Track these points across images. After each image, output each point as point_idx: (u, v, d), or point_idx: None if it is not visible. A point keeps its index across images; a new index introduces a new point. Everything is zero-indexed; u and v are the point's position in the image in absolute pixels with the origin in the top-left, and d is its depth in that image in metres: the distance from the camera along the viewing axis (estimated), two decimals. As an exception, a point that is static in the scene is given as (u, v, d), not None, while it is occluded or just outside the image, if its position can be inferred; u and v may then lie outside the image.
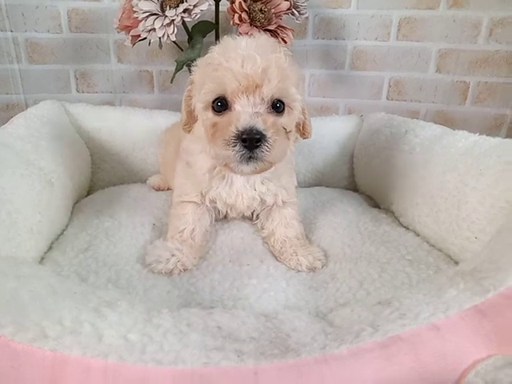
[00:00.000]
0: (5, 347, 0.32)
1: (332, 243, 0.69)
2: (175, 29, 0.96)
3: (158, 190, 0.93)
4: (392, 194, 0.83)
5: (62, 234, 0.68)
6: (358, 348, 0.36)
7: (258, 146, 0.53)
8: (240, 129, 0.52)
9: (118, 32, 1.07)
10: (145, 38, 1.03)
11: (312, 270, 0.64)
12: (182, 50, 1.13)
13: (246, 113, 0.54)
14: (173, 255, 0.62)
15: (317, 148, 1.05)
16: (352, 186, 1.06)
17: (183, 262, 0.63)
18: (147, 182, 0.96)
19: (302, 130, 0.67)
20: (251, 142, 0.52)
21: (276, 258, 0.68)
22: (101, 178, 0.96)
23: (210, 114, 0.58)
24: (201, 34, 1.07)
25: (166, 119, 1.00)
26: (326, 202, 0.86)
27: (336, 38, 1.36)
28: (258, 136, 0.52)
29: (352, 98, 1.43)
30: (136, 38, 1.05)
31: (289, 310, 0.53)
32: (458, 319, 0.38)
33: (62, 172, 0.71)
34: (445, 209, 0.67)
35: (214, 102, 0.57)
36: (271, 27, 1.01)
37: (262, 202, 0.71)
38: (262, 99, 0.55)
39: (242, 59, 0.53)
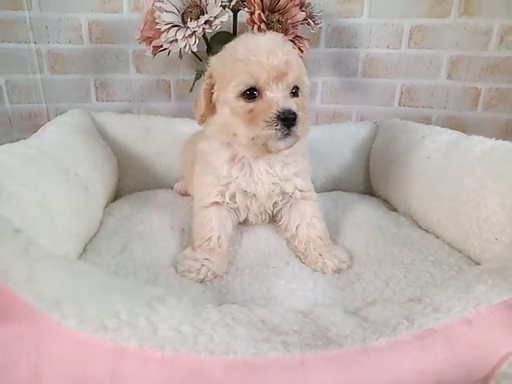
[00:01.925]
0: (71, 337, 0.35)
1: (356, 244, 0.72)
2: (197, 40, 0.99)
3: (184, 195, 0.96)
4: (410, 198, 0.85)
5: (94, 235, 0.71)
6: (395, 341, 0.38)
7: (294, 124, 0.61)
8: (280, 110, 0.61)
9: (140, 43, 1.11)
10: (166, 49, 1.07)
11: (337, 272, 0.67)
12: (201, 60, 1.17)
13: (280, 97, 0.62)
14: (203, 265, 0.65)
15: (332, 154, 1.07)
16: (368, 190, 1.08)
17: (213, 271, 0.65)
18: (174, 187, 0.99)
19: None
20: (289, 120, 0.61)
21: (301, 259, 0.70)
22: (126, 183, 0.99)
23: (242, 102, 0.64)
24: (219, 44, 1.10)
25: (187, 127, 1.03)
26: (345, 205, 0.88)
27: (348, 47, 1.39)
28: (293, 116, 0.61)
29: (364, 105, 1.45)
30: (157, 49, 1.09)
31: (322, 307, 0.55)
32: (489, 313, 0.40)
33: (97, 178, 0.74)
34: (464, 211, 0.69)
35: (245, 91, 0.63)
36: (289, 37, 1.04)
37: (282, 190, 0.73)
38: (287, 86, 0.64)
39: (267, 53, 0.62)
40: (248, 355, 0.36)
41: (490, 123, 1.41)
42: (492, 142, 0.74)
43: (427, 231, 0.78)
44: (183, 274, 0.65)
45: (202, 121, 0.72)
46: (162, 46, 1.07)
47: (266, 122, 0.61)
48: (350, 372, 0.36)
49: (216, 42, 1.11)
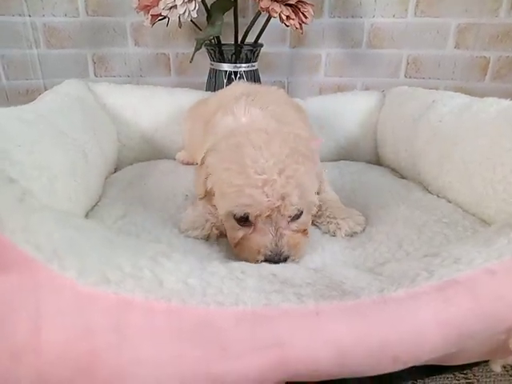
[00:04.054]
0: (71, 289, 0.33)
1: (365, 207, 0.69)
2: (197, 5, 0.95)
3: (187, 164, 0.93)
4: (419, 163, 0.82)
5: (96, 205, 0.69)
6: (415, 291, 0.36)
7: (284, 261, 0.54)
8: (268, 255, 0.54)
9: (138, 12, 1.07)
10: (165, 17, 1.03)
11: (350, 235, 0.63)
12: (201, 30, 1.13)
13: (269, 236, 0.54)
14: (207, 220, 0.62)
15: (338, 123, 1.04)
16: (375, 160, 1.05)
17: (218, 226, 0.62)
18: (176, 156, 0.97)
19: None
20: (278, 262, 0.53)
21: (312, 222, 0.66)
22: (126, 155, 0.97)
23: (233, 222, 0.57)
24: (220, 12, 1.06)
25: (188, 97, 1.00)
26: (353, 173, 0.86)
27: (353, 16, 1.35)
28: (283, 261, 0.54)
29: (369, 77, 1.42)
30: (155, 18, 1.05)
31: (332, 266, 0.53)
32: (513, 264, 0.38)
33: (94, 145, 0.72)
34: (478, 173, 0.66)
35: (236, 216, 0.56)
36: (291, 1, 1.00)
37: None
38: (283, 215, 0.54)
39: (262, 184, 0.52)
40: (259, 306, 0.34)
41: (499, 94, 1.35)
42: (508, 102, 0.71)
43: (438, 196, 0.75)
44: (187, 232, 0.62)
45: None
46: (160, 15, 1.03)
47: (253, 258, 0.54)
48: (367, 322, 0.34)
49: (216, 9, 1.07)
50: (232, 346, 0.32)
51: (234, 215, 0.55)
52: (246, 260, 0.52)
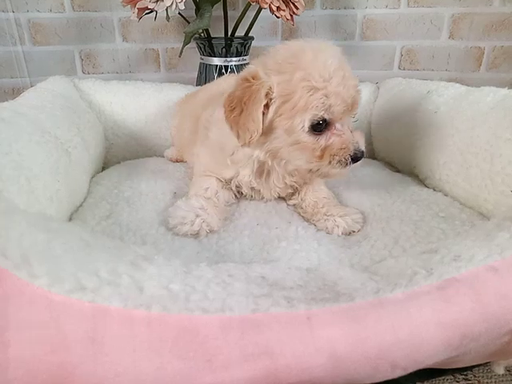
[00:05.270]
0: (43, 298, 0.30)
1: (361, 204, 0.67)
2: (183, -4, 0.92)
3: (176, 162, 0.90)
4: (415, 156, 0.80)
5: (81, 205, 0.66)
6: (413, 292, 0.34)
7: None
8: (356, 152, 0.58)
9: (124, 6, 1.03)
10: (151, 11, 1.00)
11: (347, 234, 0.61)
12: (189, 23, 1.10)
13: (352, 135, 0.59)
14: (197, 216, 0.60)
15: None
16: (370, 153, 1.03)
17: (209, 223, 0.60)
18: (164, 154, 0.94)
19: None
20: (359, 160, 0.59)
21: (308, 220, 0.65)
22: (115, 153, 0.94)
23: (312, 136, 0.57)
24: (209, 4, 1.03)
25: (176, 91, 0.98)
26: (347, 168, 0.83)
27: (345, 8, 1.32)
28: (363, 156, 0.59)
29: (363, 70, 1.39)
30: (142, 11, 1.02)
31: (327, 264, 0.51)
32: (516, 260, 0.36)
33: (79, 143, 0.69)
34: (476, 164, 0.64)
35: (316, 124, 0.57)
36: (282, -7, 0.98)
37: (292, 187, 0.70)
38: (353, 116, 0.61)
39: (343, 81, 0.55)
40: (247, 312, 0.32)
41: (495, 84, 1.32)
42: (505, 91, 0.69)
43: (434, 189, 0.73)
44: (175, 228, 0.59)
45: (251, 143, 0.60)
46: (147, 8, 1.00)
47: (340, 161, 0.57)
48: (363, 326, 0.31)
49: (205, 1, 1.04)
50: (217, 356, 0.30)
51: (313, 126, 0.56)
52: (331, 166, 0.57)
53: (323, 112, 0.55)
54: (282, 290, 0.34)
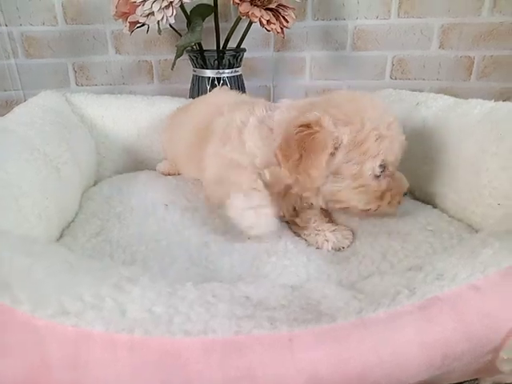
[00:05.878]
0: (26, 324, 0.30)
1: (347, 220, 0.67)
2: (174, 11, 0.93)
3: (168, 175, 0.91)
4: (403, 169, 0.79)
5: (72, 221, 0.66)
6: (395, 311, 0.34)
7: None
8: (405, 190, 0.64)
9: (116, 19, 1.04)
10: (143, 25, 1.01)
11: (337, 249, 0.62)
12: (181, 36, 1.11)
13: (398, 174, 0.64)
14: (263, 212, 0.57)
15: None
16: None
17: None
18: (156, 167, 0.93)
19: None
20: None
21: (299, 234, 0.66)
22: (107, 167, 0.94)
23: (376, 180, 0.61)
24: (200, 17, 1.04)
25: (168, 105, 0.98)
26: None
27: (336, 19, 1.34)
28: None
29: (355, 80, 1.40)
30: (134, 25, 1.03)
31: (314, 281, 0.51)
32: (499, 278, 0.36)
33: (69, 158, 0.69)
34: (463, 177, 0.65)
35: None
36: (272, 6, 0.99)
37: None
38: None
39: (397, 127, 0.63)
40: (229, 334, 0.32)
41: (485, 93, 1.36)
42: (491, 103, 0.69)
43: (423, 202, 0.73)
44: (251, 230, 0.57)
45: (310, 189, 0.62)
46: (138, 22, 1.01)
47: (397, 201, 0.62)
48: (344, 347, 0.32)
49: (196, 14, 1.05)
50: (199, 379, 0.30)
51: (379, 168, 0.60)
52: (389, 210, 0.63)
53: (389, 157, 0.60)
54: (265, 311, 0.34)
